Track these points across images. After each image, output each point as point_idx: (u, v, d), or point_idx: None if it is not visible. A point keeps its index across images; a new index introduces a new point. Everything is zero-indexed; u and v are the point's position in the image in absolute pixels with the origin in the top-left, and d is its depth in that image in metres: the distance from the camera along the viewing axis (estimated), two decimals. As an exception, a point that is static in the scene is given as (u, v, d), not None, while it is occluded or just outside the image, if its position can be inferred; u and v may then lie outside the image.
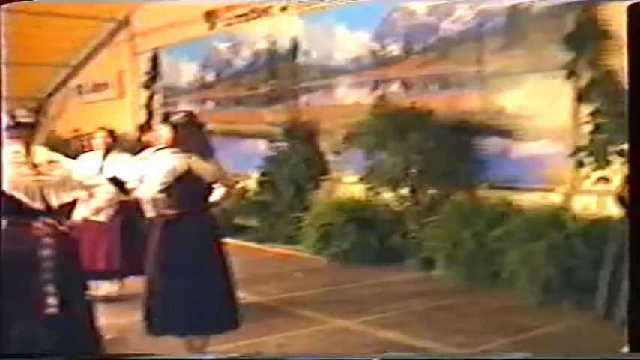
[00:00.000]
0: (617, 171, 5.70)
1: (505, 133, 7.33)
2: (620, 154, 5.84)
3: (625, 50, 2.04)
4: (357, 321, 5.45)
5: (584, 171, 6.38)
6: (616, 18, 6.12)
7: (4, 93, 3.69)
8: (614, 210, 4.84)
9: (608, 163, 6.11)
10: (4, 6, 3.75)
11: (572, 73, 6.57)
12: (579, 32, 6.52)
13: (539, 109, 7.01)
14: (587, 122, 6.42)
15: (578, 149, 6.41)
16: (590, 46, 6.46)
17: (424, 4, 8.12)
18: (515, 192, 6.91)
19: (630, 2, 2.28)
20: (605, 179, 6.06)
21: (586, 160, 6.33)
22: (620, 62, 6.22)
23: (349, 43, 9.06)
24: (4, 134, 3.54)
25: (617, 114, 6.13)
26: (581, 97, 6.52)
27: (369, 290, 6.55)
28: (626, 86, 5.84)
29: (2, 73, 3.71)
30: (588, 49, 6.46)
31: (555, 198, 6.58)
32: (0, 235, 3.43)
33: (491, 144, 7.44)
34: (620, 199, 4.72)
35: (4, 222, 3.47)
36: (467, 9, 7.69)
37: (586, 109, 6.47)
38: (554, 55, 6.72)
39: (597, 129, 6.30)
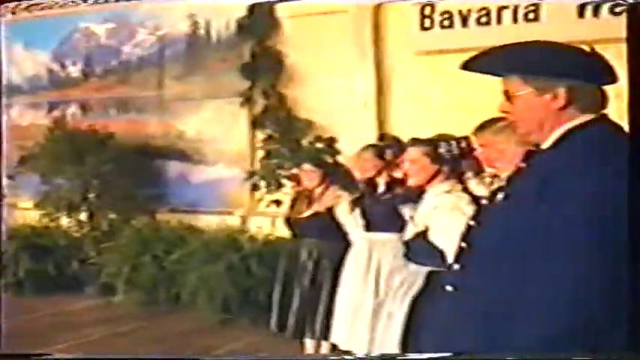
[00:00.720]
0: (288, 194, 6.05)
1: (185, 158, 7.42)
2: (289, 177, 6.22)
3: (625, 50, 2.15)
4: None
5: (258, 194, 6.68)
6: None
7: None
8: (284, 231, 5.11)
9: (280, 187, 6.46)
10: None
11: (247, 101, 6.85)
12: (254, 62, 6.83)
13: (217, 134, 7.21)
14: (260, 148, 6.74)
15: (252, 173, 6.71)
16: (264, 75, 6.79)
17: (104, 27, 7.94)
18: (195, 215, 7.01)
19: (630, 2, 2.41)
20: (277, 202, 6.38)
21: (260, 184, 6.64)
22: (292, 92, 6.70)
23: (25, 62, 8.55)
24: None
25: (288, 140, 6.55)
26: (255, 123, 6.84)
27: (47, 321, 6.19)
28: (300, 114, 6.43)
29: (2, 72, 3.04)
30: (263, 78, 6.80)
31: (233, 220, 6.78)
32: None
33: (172, 168, 7.47)
34: (288, 221, 5.00)
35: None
36: (148, 34, 7.67)
37: (260, 135, 6.80)
38: (232, 82, 6.96)
39: (269, 154, 6.64)
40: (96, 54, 8.04)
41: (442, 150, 3.52)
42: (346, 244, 4.49)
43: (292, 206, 4.99)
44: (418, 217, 3.50)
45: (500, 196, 2.08)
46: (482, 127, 2.77)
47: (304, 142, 6.41)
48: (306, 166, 4.89)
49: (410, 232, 3.58)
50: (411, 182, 3.62)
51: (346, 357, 4.00)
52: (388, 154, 4.45)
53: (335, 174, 4.92)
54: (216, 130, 7.21)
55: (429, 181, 3.52)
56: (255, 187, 6.68)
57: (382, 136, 5.32)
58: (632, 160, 1.87)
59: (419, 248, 3.44)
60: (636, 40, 2.18)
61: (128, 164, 7.30)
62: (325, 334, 4.49)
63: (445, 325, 2.14)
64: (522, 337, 1.82)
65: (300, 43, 6.68)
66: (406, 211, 3.83)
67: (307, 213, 4.82)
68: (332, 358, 3.95)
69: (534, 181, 1.91)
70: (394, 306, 3.77)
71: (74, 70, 8.22)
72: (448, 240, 3.13)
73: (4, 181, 8.33)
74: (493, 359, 1.87)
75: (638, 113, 2.10)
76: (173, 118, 7.52)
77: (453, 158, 3.52)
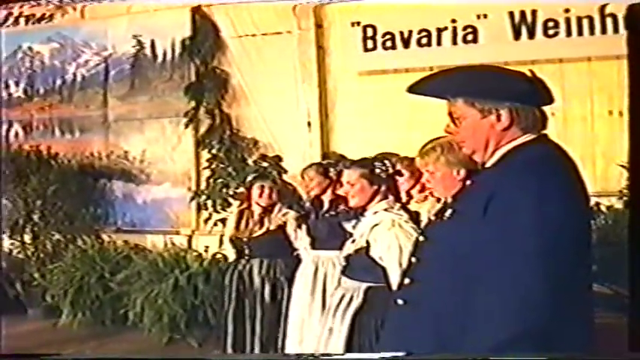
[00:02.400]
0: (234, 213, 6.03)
1: (130, 177, 7.33)
2: (233, 197, 6.21)
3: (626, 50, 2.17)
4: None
5: (205, 213, 6.65)
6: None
7: None
8: (230, 250, 5.09)
9: (226, 206, 6.44)
10: None
11: (192, 120, 6.83)
12: (199, 82, 6.82)
13: (162, 154, 7.15)
14: (206, 167, 6.72)
15: (198, 193, 6.68)
16: (209, 95, 6.78)
17: (48, 47, 7.81)
18: (141, 235, 6.93)
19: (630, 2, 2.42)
20: (224, 221, 6.34)
21: (207, 203, 6.61)
22: (237, 111, 6.70)
23: (-36, 81, 8.35)
24: None
25: (234, 159, 6.55)
26: (200, 143, 6.81)
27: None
28: (245, 134, 6.42)
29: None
30: (207, 98, 6.78)
31: (180, 240, 6.73)
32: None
33: (117, 188, 7.38)
34: (232, 241, 4.98)
35: None
36: (93, 54, 7.58)
37: (205, 154, 6.77)
38: (177, 102, 6.93)
39: (215, 173, 6.63)
40: (39, 74, 7.91)
41: (378, 170, 3.55)
42: (297, 261, 4.51)
43: (237, 225, 4.96)
44: (358, 234, 3.52)
45: (447, 212, 2.13)
46: (426, 149, 2.82)
47: (250, 160, 6.42)
48: (257, 185, 4.89)
49: (349, 248, 3.60)
50: (352, 204, 3.64)
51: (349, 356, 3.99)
52: (332, 172, 4.49)
53: (282, 192, 4.94)
54: (161, 150, 7.16)
55: (368, 202, 3.55)
56: (201, 207, 6.65)
57: (325, 155, 5.37)
58: (632, 160, 1.93)
59: (359, 264, 3.46)
60: (636, 40, 2.24)
61: (72, 184, 7.18)
62: (282, 350, 4.48)
63: (397, 336, 2.17)
64: (474, 343, 1.87)
65: (245, 63, 6.70)
66: (349, 228, 3.85)
67: (259, 232, 4.82)
68: (336, 357, 3.93)
69: (480, 198, 1.96)
70: (335, 321, 3.79)
71: (17, 90, 8.06)
72: (388, 256, 3.18)
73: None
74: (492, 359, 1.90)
75: (638, 114, 2.16)
76: (117, 137, 7.44)
77: (389, 177, 3.56)
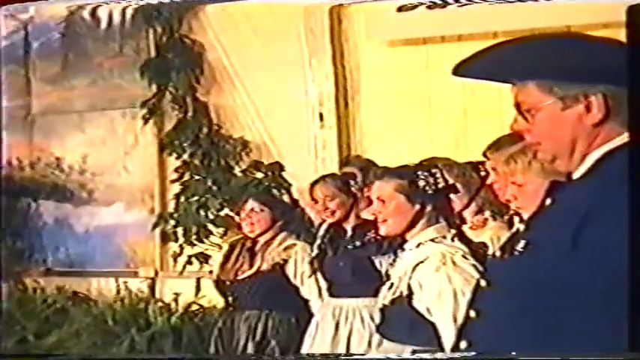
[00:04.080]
0: (217, 245, 6.08)
1: (65, 196, 7.37)
2: (214, 222, 6.25)
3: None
4: None
5: (174, 246, 6.69)
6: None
7: None
8: (214, 298, 5.15)
9: (205, 235, 6.47)
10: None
11: (152, 113, 6.86)
12: (162, 59, 6.87)
13: (111, 161, 7.20)
14: (175, 179, 6.79)
15: (163, 217, 6.72)
16: (176, 77, 6.82)
17: None
18: (82, 278, 6.97)
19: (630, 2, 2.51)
20: (202, 257, 6.40)
21: (177, 231, 6.64)
22: (218, 100, 6.75)
23: None
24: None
25: (214, 168, 6.58)
26: (165, 145, 6.85)
27: None
28: (230, 132, 6.41)
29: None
30: (174, 82, 6.83)
31: (138, 285, 6.77)
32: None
33: (46, 210, 7.43)
34: (217, 284, 5.04)
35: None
36: (5, 18, 7.64)
37: (173, 161, 6.83)
38: (130, 87, 6.98)
39: (187, 189, 6.68)
40: None
41: (422, 183, 3.58)
42: (304, 316, 4.56)
43: (224, 263, 5.03)
44: (396, 275, 3.56)
45: (520, 244, 2.17)
46: (494, 148, 2.88)
47: (237, 170, 6.46)
48: (250, 205, 4.95)
49: (385, 296, 3.64)
50: (384, 231, 3.68)
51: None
52: (355, 185, 4.55)
53: (285, 216, 4.99)
54: (110, 156, 7.21)
55: (408, 228, 3.58)
56: (168, 237, 6.69)
57: (346, 161, 5.41)
58: (632, 161, 1.98)
59: (398, 319, 3.51)
60: (636, 40, 2.30)
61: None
62: None
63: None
64: None
65: (228, 31, 6.75)
66: (382, 265, 3.91)
67: (248, 272, 4.87)
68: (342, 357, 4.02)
69: (566, 224, 2.00)
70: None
71: None
72: (438, 307, 3.23)
73: None
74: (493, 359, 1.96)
75: (638, 114, 2.20)
76: (46, 138, 7.50)
77: (438, 192, 3.59)
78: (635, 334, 1.94)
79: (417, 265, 3.44)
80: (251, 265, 4.86)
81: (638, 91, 2.18)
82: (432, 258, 3.41)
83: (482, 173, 3.59)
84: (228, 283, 4.94)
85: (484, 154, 3.37)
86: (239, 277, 4.89)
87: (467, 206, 3.69)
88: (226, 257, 5.08)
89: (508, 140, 2.93)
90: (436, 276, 3.34)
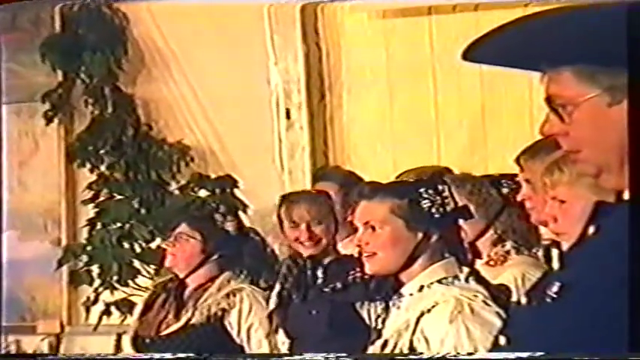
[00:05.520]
0: (146, 289, 6.10)
1: None
2: (142, 258, 6.28)
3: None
4: None
5: (86, 290, 6.69)
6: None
7: None
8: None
9: (128, 275, 6.48)
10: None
11: (57, 108, 6.88)
12: (69, 34, 6.89)
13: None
14: (87, 199, 6.82)
15: (72, 250, 6.72)
16: (89, 60, 6.82)
17: None
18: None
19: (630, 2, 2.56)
20: (123, 305, 6.42)
21: (91, 270, 6.65)
22: (147, 92, 6.77)
23: None
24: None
25: (142, 184, 6.59)
26: (74, 151, 6.88)
27: None
28: (164, 134, 6.38)
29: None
30: (87, 66, 6.84)
31: (38, 344, 6.77)
32: None
33: None
34: (135, 341, 5.06)
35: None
36: None
37: (85, 173, 6.86)
38: (27, 73, 6.99)
39: (104, 212, 6.74)
40: None
41: (426, 203, 3.58)
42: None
43: (145, 313, 5.06)
44: (391, 329, 3.59)
45: (553, 288, 2.20)
46: (529, 153, 2.90)
47: (174, 186, 6.49)
48: (181, 229, 4.98)
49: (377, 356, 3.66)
50: (371, 268, 3.68)
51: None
52: (336, 207, 4.59)
53: (230, 247, 5.00)
54: (-1, 167, 7.23)
55: (406, 265, 3.59)
56: (79, 278, 6.71)
57: (322, 173, 5.45)
58: (631, 161, 2.02)
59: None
60: (636, 40, 2.35)
61: None
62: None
63: None
64: None
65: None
66: (370, 314, 3.95)
67: (175, 326, 4.89)
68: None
69: (612, 260, 2.04)
70: None
71: None
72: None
73: None
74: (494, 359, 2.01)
75: (638, 115, 2.24)
76: None
77: (447, 216, 3.60)
78: (635, 334, 1.98)
79: (422, 315, 3.45)
80: (177, 317, 4.86)
81: None
82: (443, 305, 3.41)
83: (505, 190, 3.61)
84: (147, 340, 4.93)
85: (517, 161, 3.37)
86: (162, 333, 4.89)
87: (482, 234, 3.71)
88: (148, 305, 5.07)
89: (547, 145, 2.94)
90: (451, 329, 3.35)
